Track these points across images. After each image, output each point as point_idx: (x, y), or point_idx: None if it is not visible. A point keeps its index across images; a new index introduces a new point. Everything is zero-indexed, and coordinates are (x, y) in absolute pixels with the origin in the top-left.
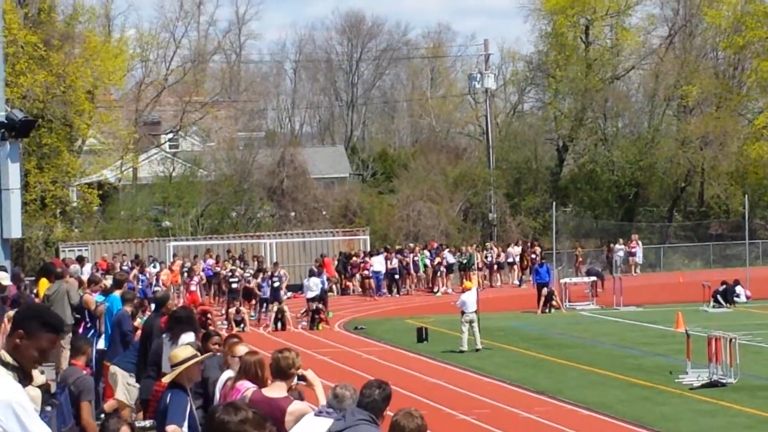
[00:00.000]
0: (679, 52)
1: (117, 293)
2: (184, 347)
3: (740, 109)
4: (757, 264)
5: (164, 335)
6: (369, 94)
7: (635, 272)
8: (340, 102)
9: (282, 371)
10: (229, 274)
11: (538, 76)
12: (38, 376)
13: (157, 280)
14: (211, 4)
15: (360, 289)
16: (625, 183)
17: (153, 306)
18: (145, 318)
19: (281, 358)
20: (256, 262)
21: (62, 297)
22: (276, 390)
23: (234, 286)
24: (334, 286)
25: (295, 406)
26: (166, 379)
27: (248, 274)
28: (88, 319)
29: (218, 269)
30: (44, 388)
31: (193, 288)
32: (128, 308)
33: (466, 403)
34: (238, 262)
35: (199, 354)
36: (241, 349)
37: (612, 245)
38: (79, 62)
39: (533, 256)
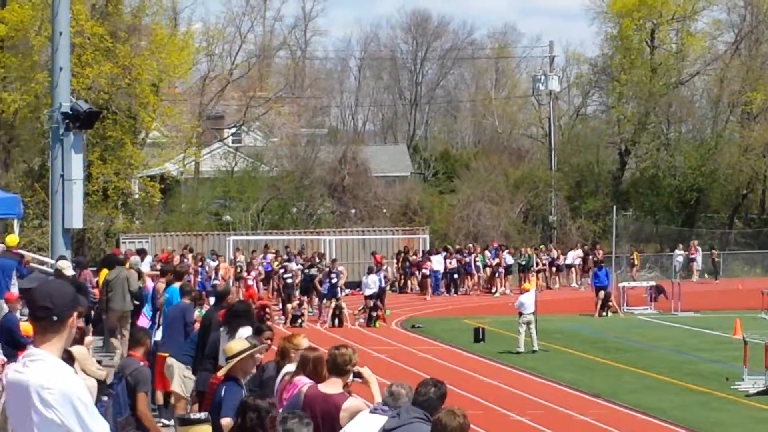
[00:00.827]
0: (744, 59)
1: (177, 285)
2: (239, 340)
3: None
4: None
5: (222, 329)
6: (432, 93)
7: (695, 278)
8: (404, 101)
9: (338, 367)
10: (282, 269)
11: (602, 79)
12: (98, 372)
13: (216, 273)
14: (278, 0)
15: (419, 288)
16: (686, 188)
17: (212, 299)
18: (203, 311)
19: (338, 355)
20: (308, 257)
21: (122, 283)
22: (332, 386)
23: (289, 281)
24: (395, 284)
25: (350, 402)
26: (221, 372)
27: (299, 267)
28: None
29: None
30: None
31: (250, 282)
32: (187, 300)
33: (520, 404)
34: (297, 257)
35: (253, 347)
36: (303, 342)
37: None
38: (144, 55)
39: (595, 259)
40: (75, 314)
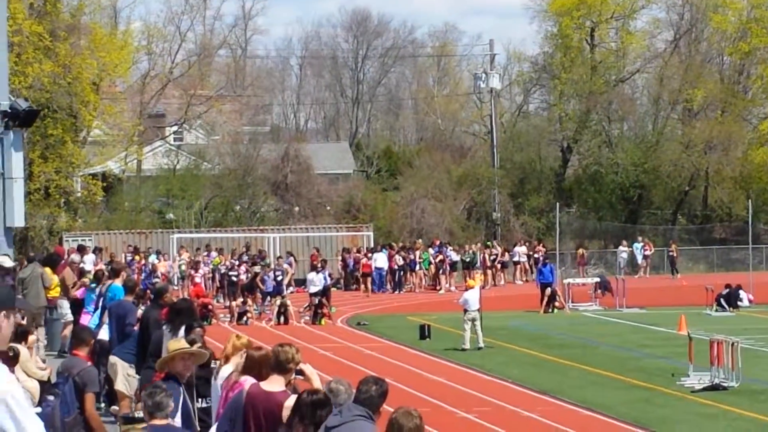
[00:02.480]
0: (684, 57)
1: (117, 282)
2: (178, 340)
3: (745, 114)
4: (760, 269)
5: (165, 326)
6: (374, 92)
7: (646, 274)
8: (345, 99)
9: (281, 365)
10: (228, 267)
11: (543, 77)
12: (39, 372)
13: (153, 271)
14: None
15: (364, 285)
16: (629, 185)
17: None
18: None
19: (281, 352)
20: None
21: (36, 280)
22: (274, 384)
23: (234, 279)
24: (339, 281)
25: (293, 400)
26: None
27: (243, 267)
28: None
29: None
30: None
31: (197, 280)
32: (129, 298)
33: (467, 401)
34: (244, 256)
35: (192, 348)
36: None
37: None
38: (84, 54)
39: (536, 255)
40: (6, 314)
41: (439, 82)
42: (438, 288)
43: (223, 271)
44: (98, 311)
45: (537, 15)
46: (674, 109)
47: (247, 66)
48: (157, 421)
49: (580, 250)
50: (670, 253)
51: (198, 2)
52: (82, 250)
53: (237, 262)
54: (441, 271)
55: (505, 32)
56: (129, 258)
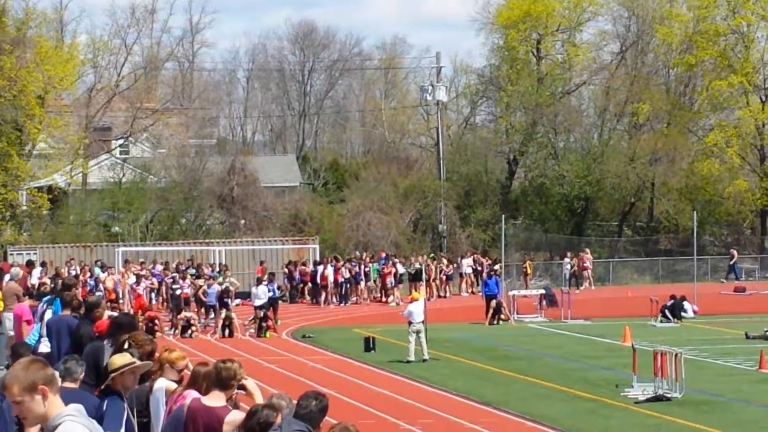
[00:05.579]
0: (630, 69)
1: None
2: (123, 355)
3: (691, 126)
4: (704, 280)
5: (106, 341)
6: (321, 104)
7: (591, 286)
8: (292, 111)
9: (222, 381)
10: (171, 281)
11: (489, 89)
12: None
13: (96, 285)
14: (165, 12)
15: (309, 297)
16: (574, 197)
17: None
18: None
19: (223, 369)
20: (201, 268)
21: None
22: (215, 399)
23: (177, 293)
24: (285, 295)
25: (233, 415)
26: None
27: (188, 281)
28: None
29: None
30: None
31: (140, 292)
32: (67, 311)
33: (411, 413)
34: (190, 269)
35: (136, 361)
36: (180, 362)
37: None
38: (30, 67)
39: (485, 268)
40: None
41: (386, 94)
42: (390, 300)
43: (169, 283)
44: (38, 325)
45: (483, 27)
46: (620, 121)
47: (194, 79)
48: (67, 384)
49: (527, 263)
50: (584, 265)
51: (144, 15)
52: (30, 265)
53: (182, 279)
54: (390, 284)
55: (452, 45)
56: (73, 272)
